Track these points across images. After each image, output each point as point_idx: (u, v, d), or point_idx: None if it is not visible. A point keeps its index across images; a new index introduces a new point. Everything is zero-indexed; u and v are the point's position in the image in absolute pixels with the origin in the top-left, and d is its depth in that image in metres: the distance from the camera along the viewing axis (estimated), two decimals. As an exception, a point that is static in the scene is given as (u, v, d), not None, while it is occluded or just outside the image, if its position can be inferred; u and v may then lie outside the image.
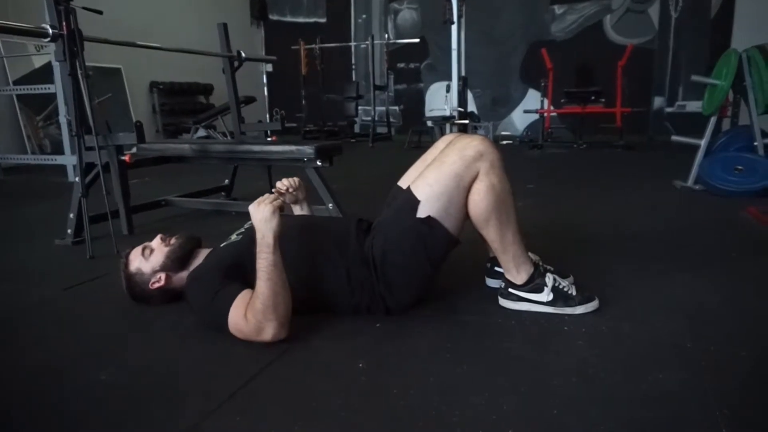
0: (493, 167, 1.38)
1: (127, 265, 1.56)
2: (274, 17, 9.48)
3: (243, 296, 1.33)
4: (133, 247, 1.59)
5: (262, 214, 1.31)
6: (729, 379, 1.14)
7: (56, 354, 1.35)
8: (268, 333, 1.29)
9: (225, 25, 3.38)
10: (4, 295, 1.81)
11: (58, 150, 4.92)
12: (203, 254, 1.56)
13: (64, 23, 2.16)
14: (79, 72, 2.21)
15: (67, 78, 2.21)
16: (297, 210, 1.79)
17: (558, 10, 7.83)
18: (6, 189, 4.35)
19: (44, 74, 5.20)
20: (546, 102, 6.77)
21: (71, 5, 2.18)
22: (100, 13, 2.44)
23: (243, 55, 3.45)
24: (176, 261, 1.54)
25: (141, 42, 3.00)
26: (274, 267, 1.30)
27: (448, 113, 6.33)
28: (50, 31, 2.15)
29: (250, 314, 1.29)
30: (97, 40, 2.49)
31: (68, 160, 4.48)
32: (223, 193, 3.39)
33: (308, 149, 2.44)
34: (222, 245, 1.55)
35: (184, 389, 1.16)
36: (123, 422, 1.05)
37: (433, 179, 1.40)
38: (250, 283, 1.37)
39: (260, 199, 1.35)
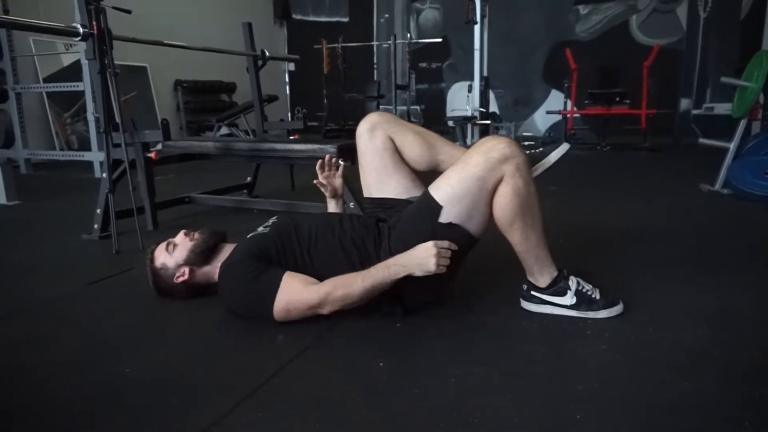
0: (519, 170, 1.36)
1: (152, 260, 1.59)
2: (297, 16, 9.52)
3: (291, 275, 1.39)
4: (157, 244, 1.63)
5: (429, 262, 1.31)
6: (756, 387, 1.11)
7: (79, 347, 1.38)
8: (325, 311, 1.37)
9: (250, 25, 3.42)
10: (31, 288, 1.85)
11: (85, 146, 5.02)
12: (228, 249, 1.58)
13: (94, 23, 2.20)
14: (107, 70, 2.25)
15: (96, 76, 2.26)
16: (332, 206, 1.80)
17: (582, 10, 7.73)
18: (34, 184, 4.45)
19: (73, 72, 5.31)
20: (569, 103, 6.69)
21: (101, 5, 2.22)
22: (128, 12, 2.48)
23: (267, 54, 3.48)
24: (200, 255, 1.57)
25: (167, 41, 3.04)
26: (379, 284, 1.35)
27: (469, 113, 6.29)
28: (81, 30, 2.20)
29: (325, 290, 1.35)
30: (126, 39, 2.53)
31: (95, 156, 4.57)
32: (245, 191, 3.42)
33: (330, 148, 2.45)
34: (249, 236, 1.56)
35: (206, 384, 1.18)
36: (145, 416, 1.06)
37: (455, 180, 1.39)
38: None
39: (442, 251, 1.33)
